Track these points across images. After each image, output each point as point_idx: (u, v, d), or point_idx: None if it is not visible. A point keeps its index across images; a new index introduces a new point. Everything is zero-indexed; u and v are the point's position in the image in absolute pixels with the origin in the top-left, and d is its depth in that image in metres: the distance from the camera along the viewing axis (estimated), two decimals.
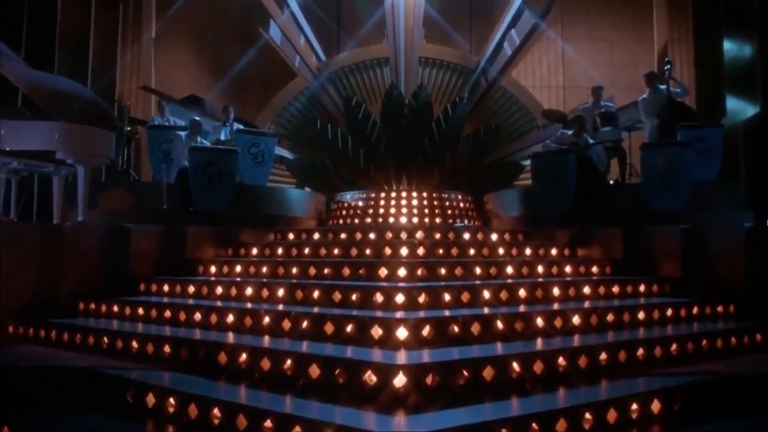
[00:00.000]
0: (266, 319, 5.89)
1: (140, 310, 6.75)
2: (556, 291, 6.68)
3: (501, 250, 7.77)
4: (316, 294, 6.30)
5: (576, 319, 5.98)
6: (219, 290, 6.98)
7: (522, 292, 6.46)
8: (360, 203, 11.40)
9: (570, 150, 9.57)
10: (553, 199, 9.37)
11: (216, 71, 14.37)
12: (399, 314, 5.41)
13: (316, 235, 8.45)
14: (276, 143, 11.03)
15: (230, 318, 6.13)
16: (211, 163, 9.44)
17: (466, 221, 9.83)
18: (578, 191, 9.19)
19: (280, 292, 6.53)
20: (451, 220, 11.05)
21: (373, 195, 11.40)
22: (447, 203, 11.43)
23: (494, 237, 8.34)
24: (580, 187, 9.22)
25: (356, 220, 11.09)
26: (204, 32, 14.82)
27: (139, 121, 12.05)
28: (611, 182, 10.17)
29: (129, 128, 10.80)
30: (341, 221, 11.34)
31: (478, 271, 6.91)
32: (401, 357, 4.69)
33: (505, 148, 13.08)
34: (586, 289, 6.90)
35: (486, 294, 6.23)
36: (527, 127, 13.33)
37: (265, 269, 7.36)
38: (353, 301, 6.00)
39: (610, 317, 6.17)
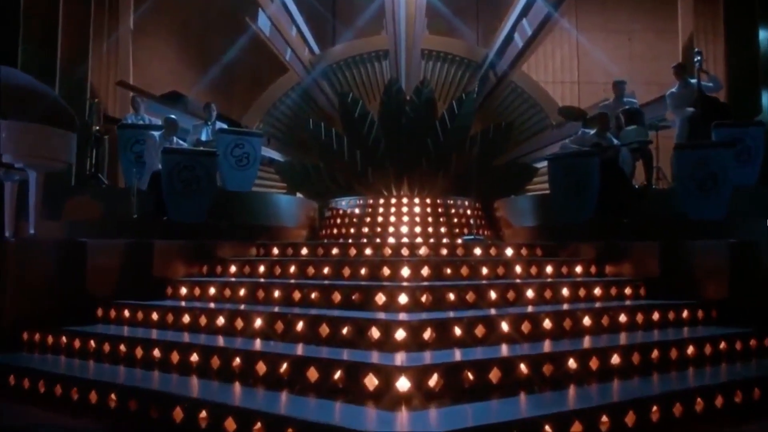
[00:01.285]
0: (237, 360, 4.91)
1: (92, 343, 5.80)
2: (587, 321, 5.75)
3: (518, 269, 6.82)
4: (299, 326, 5.34)
5: (615, 359, 5.02)
6: (186, 318, 6.02)
7: (547, 323, 5.52)
8: (356, 210, 10.67)
9: (593, 152, 8.64)
10: (573, 208, 8.53)
11: (200, 66, 13.47)
12: (400, 358, 4.44)
13: (304, 250, 7.51)
14: (263, 144, 10.13)
15: (194, 357, 5.13)
16: (186, 167, 8.51)
17: (474, 232, 8.77)
18: (603, 199, 8.35)
19: (257, 323, 5.57)
20: (457, 230, 10.27)
21: (371, 201, 10.67)
22: (453, 210, 10.69)
23: (509, 252, 7.42)
24: (605, 194, 8.38)
25: (352, 230, 10.32)
26: (187, 23, 13.97)
27: (114, 120, 11.06)
28: (638, 188, 9.17)
29: (98, 128, 9.75)
30: (335, 230, 10.55)
31: (493, 295, 5.96)
32: (402, 421, 3.68)
33: (516, 149, 12.29)
34: (622, 318, 5.96)
35: (504, 326, 5.27)
36: (540, 126, 12.44)
37: (242, 292, 6.40)
38: (343, 337, 5.04)
39: (654, 354, 5.22)
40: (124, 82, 12.28)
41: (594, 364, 4.91)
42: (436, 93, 12.15)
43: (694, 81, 9.55)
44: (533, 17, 12.33)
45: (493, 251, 7.37)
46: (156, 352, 5.39)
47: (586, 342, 5.35)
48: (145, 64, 13.46)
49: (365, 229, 10.16)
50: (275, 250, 7.74)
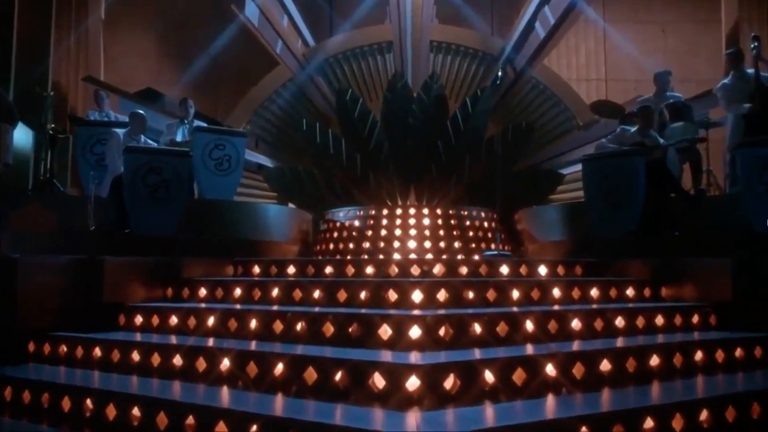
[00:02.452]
0: (190, 419, 3.70)
1: (7, 393, 4.57)
2: (654, 360, 4.57)
3: (557, 292, 5.66)
4: (278, 369, 4.20)
5: (704, 415, 3.83)
6: (135, 357, 4.86)
7: (605, 365, 4.32)
8: (356, 223, 9.88)
9: (638, 150, 7.59)
10: (613, 218, 7.56)
11: (182, 61, 12.99)
12: (412, 420, 3.23)
13: (291, 269, 6.41)
14: (245, 145, 9.26)
15: (136, 411, 3.94)
16: (153, 169, 7.56)
17: (498, 246, 7.73)
18: (649, 207, 7.37)
19: (225, 364, 4.42)
20: (473, 245, 9.40)
21: (373, 212, 9.96)
22: (467, 222, 9.93)
23: (543, 271, 6.30)
24: (652, 202, 7.39)
25: (351, 245, 9.48)
26: (166, 14, 13.24)
27: (78, 119, 10.06)
28: (692, 194, 8.17)
29: (53, 125, 8.68)
30: (332, 246, 9.67)
31: (529, 326, 4.79)
32: None
33: (538, 153, 11.56)
34: (698, 356, 4.76)
35: (550, 370, 4.08)
36: (565, 128, 11.74)
37: (211, 321, 5.26)
38: (335, 385, 3.88)
39: (755, 409, 4.00)
40: (92, 78, 11.64)
41: (678, 424, 3.73)
42: (447, 90, 11.56)
43: (750, 71, 8.45)
44: (556, 5, 11.71)
45: (523, 270, 6.25)
46: (88, 403, 4.21)
47: (656, 392, 4.16)
48: (118, 58, 12.89)
49: (366, 244, 9.39)
50: (256, 269, 6.63)
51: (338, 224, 9.98)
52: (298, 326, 4.82)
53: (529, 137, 10.95)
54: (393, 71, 11.59)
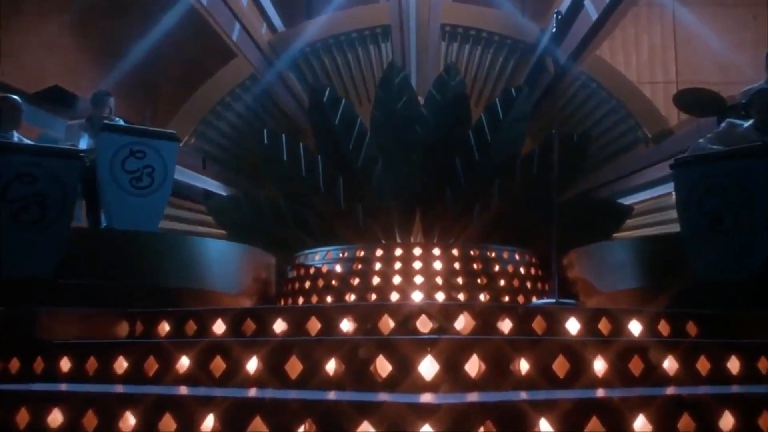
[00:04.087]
0: None
1: None
2: None
3: (669, 364, 4.14)
4: None
5: None
6: None
7: None
8: (338, 269, 9.18)
9: (760, 150, 6.33)
10: (728, 252, 6.40)
11: (108, 56, 12.33)
12: None
13: (220, 326, 5.00)
14: (176, 152, 8.13)
15: None
16: (21, 178, 6.20)
17: (554, 295, 6.86)
18: None
19: None
20: (507, 297, 8.70)
21: (362, 254, 9.23)
22: (497, 267, 9.23)
23: (636, 328, 4.88)
24: None
25: (329, 298, 8.71)
26: None
27: None
28: None
29: None
30: (303, 299, 8.97)
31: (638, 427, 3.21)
32: None
33: (590, 175, 11.20)
34: None
35: None
36: (628, 140, 11.55)
37: (59, 419, 3.68)
38: None
39: None
40: None
41: None
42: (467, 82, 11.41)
43: None
44: None
45: (603, 326, 4.81)
46: None
47: None
48: (21, 52, 12.48)
49: (352, 297, 8.59)
50: (165, 327, 5.21)
51: (312, 271, 9.25)
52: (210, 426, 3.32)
53: (584, 153, 10.29)
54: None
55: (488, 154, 10.28)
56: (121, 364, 4.38)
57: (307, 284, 9.01)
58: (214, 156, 11.38)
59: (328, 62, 11.78)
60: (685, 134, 10.08)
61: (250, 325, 4.86)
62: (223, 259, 8.13)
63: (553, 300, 6.51)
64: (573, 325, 4.64)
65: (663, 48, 13.42)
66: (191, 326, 5.06)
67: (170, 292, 6.86)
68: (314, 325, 4.65)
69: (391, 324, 4.57)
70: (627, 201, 10.52)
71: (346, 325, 4.59)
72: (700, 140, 7.57)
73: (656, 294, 6.88)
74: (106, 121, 7.80)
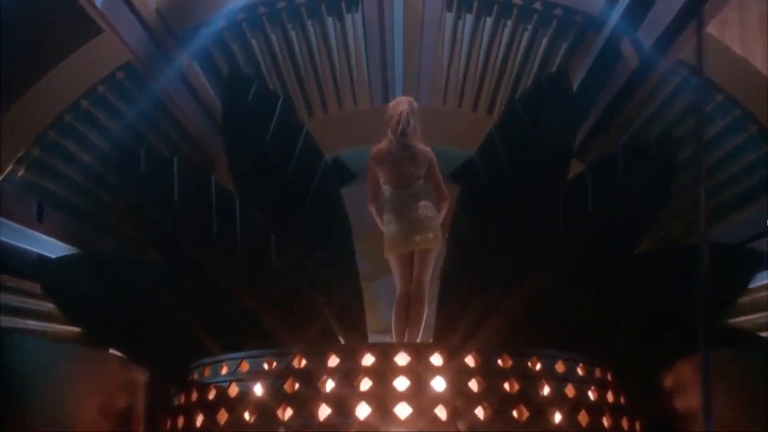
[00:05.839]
0: None
1: None
2: None
3: None
4: None
5: None
6: None
7: None
8: (259, 390, 7.55)
9: None
10: None
11: None
12: None
13: None
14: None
15: None
16: None
17: None
18: None
19: None
20: None
21: (303, 364, 7.59)
22: (546, 389, 7.42)
23: None
24: None
25: None
26: None
27: None
28: None
29: None
30: None
31: None
32: None
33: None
34: None
35: None
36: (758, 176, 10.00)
37: None
38: None
39: None
40: None
41: None
42: (486, 80, 10.15)
43: None
44: None
45: None
46: None
47: None
48: None
49: None
50: None
51: (216, 394, 7.62)
52: None
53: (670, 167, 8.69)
54: (363, 49, 10.04)
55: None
56: None
57: (207, 417, 7.26)
58: (59, 199, 9.41)
59: (256, 45, 9.95)
60: None
61: None
62: (43, 367, 6.64)
63: None
64: None
65: (757, 34, 12.25)
66: None
67: None
68: None
69: None
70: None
71: None
72: None
73: None
74: None
